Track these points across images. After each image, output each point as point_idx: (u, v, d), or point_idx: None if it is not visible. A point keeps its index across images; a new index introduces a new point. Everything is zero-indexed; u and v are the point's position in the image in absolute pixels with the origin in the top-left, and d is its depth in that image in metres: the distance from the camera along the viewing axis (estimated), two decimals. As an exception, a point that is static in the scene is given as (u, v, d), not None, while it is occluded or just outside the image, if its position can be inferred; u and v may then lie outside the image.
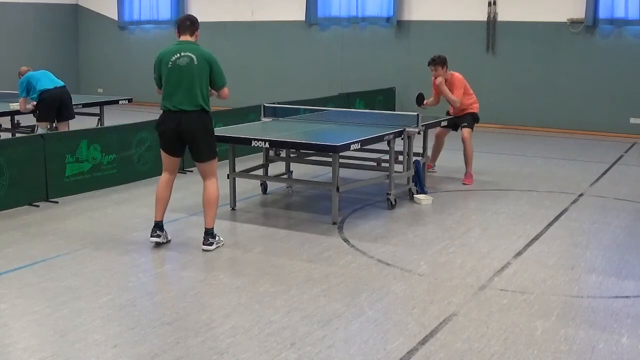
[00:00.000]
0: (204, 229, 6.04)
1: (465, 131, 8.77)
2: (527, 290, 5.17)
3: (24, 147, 7.49)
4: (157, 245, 6.09)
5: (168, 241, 6.20)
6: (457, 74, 8.79)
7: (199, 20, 6.21)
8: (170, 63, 5.88)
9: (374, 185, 7.88)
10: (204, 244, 6.01)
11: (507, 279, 5.41)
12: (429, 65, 8.77)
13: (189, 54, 5.88)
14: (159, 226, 6.14)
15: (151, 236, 6.12)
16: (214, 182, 6.04)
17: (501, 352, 4.15)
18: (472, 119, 8.87)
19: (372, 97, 13.76)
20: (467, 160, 8.79)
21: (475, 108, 8.91)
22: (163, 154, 6.09)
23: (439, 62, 8.69)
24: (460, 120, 8.86)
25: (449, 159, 9.79)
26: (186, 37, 6.01)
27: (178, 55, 5.89)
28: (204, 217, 6.07)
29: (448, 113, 9.00)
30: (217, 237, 6.08)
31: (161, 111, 6.02)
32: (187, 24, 6.03)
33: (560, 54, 13.20)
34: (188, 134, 5.89)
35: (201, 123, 5.90)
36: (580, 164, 10.24)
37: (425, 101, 9.07)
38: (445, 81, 8.74)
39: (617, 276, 5.49)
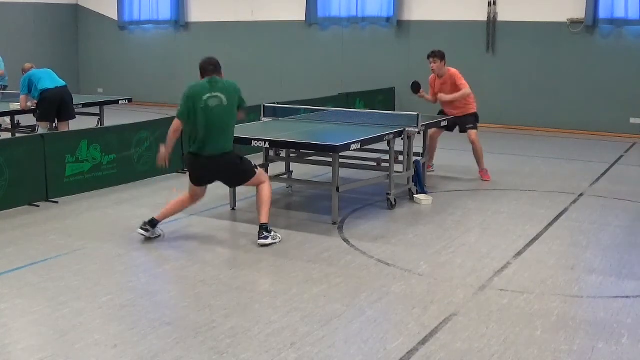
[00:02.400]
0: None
1: (472, 133, 8.83)
2: (527, 290, 5.17)
3: (24, 147, 7.49)
4: (145, 239, 6.19)
5: (158, 236, 6.28)
6: (453, 69, 8.81)
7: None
8: (203, 103, 5.99)
9: (374, 185, 7.88)
10: (259, 239, 6.12)
11: (507, 279, 5.41)
12: (428, 57, 8.82)
13: (219, 95, 6.01)
14: (152, 223, 6.23)
15: (140, 228, 6.22)
16: (264, 185, 6.28)
17: (501, 352, 4.15)
18: (475, 119, 8.92)
19: (372, 97, 13.76)
20: (479, 159, 8.92)
21: (474, 107, 8.93)
22: (190, 183, 6.31)
23: (438, 54, 8.76)
24: (462, 121, 8.87)
25: (449, 159, 9.80)
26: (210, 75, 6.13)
27: (209, 95, 6.00)
28: (257, 215, 6.27)
29: (441, 113, 8.99)
30: (272, 232, 6.19)
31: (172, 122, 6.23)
32: (211, 68, 6.15)
33: (560, 54, 13.19)
34: (218, 175, 6.21)
35: (231, 164, 6.16)
36: (580, 164, 10.24)
37: (422, 91, 9.05)
38: (440, 77, 8.76)
39: (617, 276, 5.49)
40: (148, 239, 6.19)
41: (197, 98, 5.99)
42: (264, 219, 6.19)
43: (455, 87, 8.71)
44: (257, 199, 6.29)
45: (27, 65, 10.13)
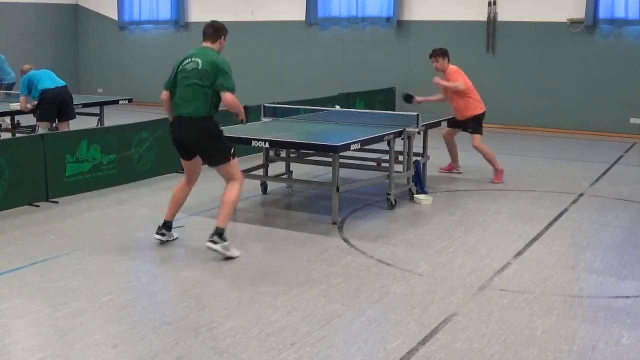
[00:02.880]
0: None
1: (475, 139, 8.74)
2: (527, 290, 5.17)
3: (24, 147, 7.49)
4: (161, 243, 6.11)
5: (175, 239, 6.21)
6: (452, 66, 8.83)
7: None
8: (181, 67, 5.85)
9: (374, 185, 7.88)
10: (207, 240, 5.76)
11: (507, 279, 5.41)
12: (430, 57, 8.86)
13: (197, 59, 5.80)
14: (166, 226, 6.14)
15: (156, 233, 6.12)
16: (235, 185, 5.91)
17: (501, 352, 4.15)
18: (475, 124, 8.78)
19: (372, 97, 13.75)
20: (491, 162, 8.84)
21: (477, 109, 8.81)
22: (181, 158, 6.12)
23: (439, 52, 8.79)
24: (465, 126, 8.86)
25: (447, 159, 9.79)
26: (207, 44, 5.96)
27: (189, 60, 5.84)
28: (217, 216, 5.89)
29: (453, 119, 8.96)
30: (225, 242, 5.77)
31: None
32: (210, 31, 5.97)
33: (560, 54, 13.19)
34: (187, 141, 5.87)
35: (200, 130, 5.80)
36: (580, 164, 10.24)
37: (418, 98, 9.05)
38: (444, 75, 8.79)
39: (617, 276, 5.49)
40: (164, 242, 6.12)
41: (179, 64, 5.86)
42: (221, 223, 5.77)
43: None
44: (223, 197, 5.87)
45: (26, 66, 10.14)
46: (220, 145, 5.92)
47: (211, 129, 5.87)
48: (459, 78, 8.68)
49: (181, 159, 6.08)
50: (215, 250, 5.74)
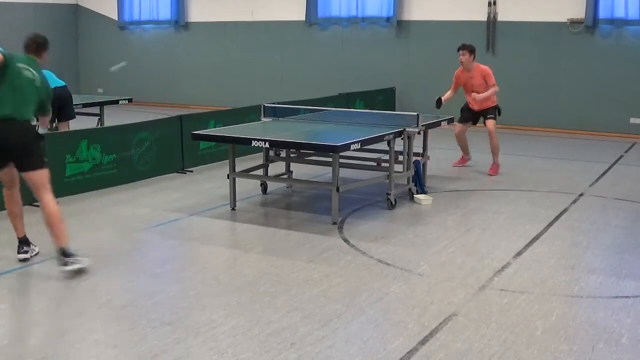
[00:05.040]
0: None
1: (490, 123, 9.08)
2: (527, 290, 5.17)
3: (24, 147, 7.48)
4: (28, 260, 5.67)
5: (37, 254, 5.77)
6: (485, 66, 9.13)
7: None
8: (16, 68, 5.60)
9: (374, 185, 7.88)
10: (61, 266, 5.28)
11: (507, 279, 5.41)
12: (458, 50, 9.03)
13: (33, 71, 5.71)
14: (23, 242, 5.74)
15: (18, 253, 5.68)
16: (51, 200, 5.43)
17: (501, 352, 4.15)
18: (495, 111, 9.15)
19: (372, 97, 13.76)
20: (494, 151, 9.15)
21: (494, 100, 9.19)
22: None
23: (468, 47, 9.03)
24: (483, 113, 9.16)
25: (448, 158, 9.80)
26: (31, 55, 5.87)
27: (25, 66, 5.67)
28: (53, 238, 5.39)
29: (466, 107, 9.16)
30: (75, 256, 5.33)
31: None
32: (33, 47, 5.92)
33: (560, 54, 13.19)
34: (12, 141, 5.44)
35: (27, 131, 5.52)
36: (580, 164, 10.24)
37: (443, 99, 9.22)
38: (467, 70, 9.03)
39: (617, 276, 5.49)
40: (29, 259, 5.74)
41: (12, 61, 5.59)
42: (62, 242, 5.32)
43: (483, 83, 8.99)
44: (48, 218, 5.35)
45: None
46: (37, 148, 5.56)
47: (36, 135, 5.62)
48: (495, 81, 9.04)
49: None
50: (76, 270, 5.30)
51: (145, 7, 17.56)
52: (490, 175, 9.03)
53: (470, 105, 9.22)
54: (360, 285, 5.23)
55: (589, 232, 6.75)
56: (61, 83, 9.66)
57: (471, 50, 9.02)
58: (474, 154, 9.63)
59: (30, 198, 7.43)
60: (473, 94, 9.02)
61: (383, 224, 6.94)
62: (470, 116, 9.30)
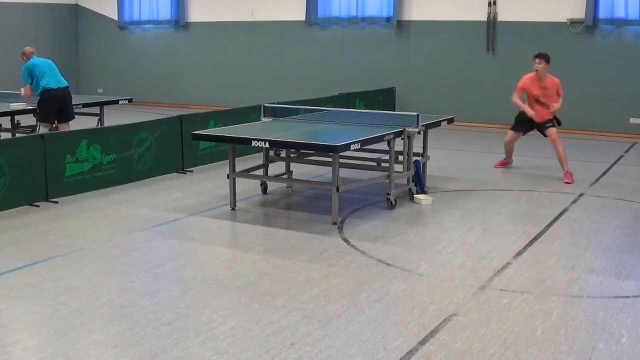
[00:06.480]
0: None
1: (552, 131, 9.11)
2: (527, 290, 5.17)
3: (24, 147, 7.49)
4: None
5: None
6: (556, 79, 9.19)
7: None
8: None
9: (374, 185, 7.88)
10: None
11: (507, 279, 5.41)
12: (535, 57, 9.03)
13: None
14: None
15: None
16: None
17: (501, 352, 4.15)
18: (555, 121, 9.21)
19: (372, 97, 13.75)
20: (561, 160, 9.02)
21: None
22: None
23: (544, 56, 9.04)
24: (540, 124, 9.20)
25: (449, 159, 9.80)
26: None
27: None
28: None
29: (526, 118, 9.21)
30: None
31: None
32: None
33: (560, 54, 13.13)
34: None
35: None
36: (580, 164, 10.23)
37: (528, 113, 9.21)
38: (539, 80, 9.05)
39: (617, 276, 5.49)
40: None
41: None
42: None
43: (555, 94, 9.10)
44: None
45: (28, 49, 9.76)
46: None
47: None
48: (561, 95, 9.11)
49: None
50: None
51: (145, 7, 17.55)
52: (567, 183, 8.72)
53: (530, 115, 9.12)
54: (360, 285, 5.23)
55: (589, 232, 6.75)
56: (64, 84, 9.65)
57: (547, 59, 8.98)
58: (474, 154, 9.63)
59: (30, 198, 7.45)
60: (553, 105, 9.01)
61: (383, 224, 6.94)
62: (530, 128, 9.30)
